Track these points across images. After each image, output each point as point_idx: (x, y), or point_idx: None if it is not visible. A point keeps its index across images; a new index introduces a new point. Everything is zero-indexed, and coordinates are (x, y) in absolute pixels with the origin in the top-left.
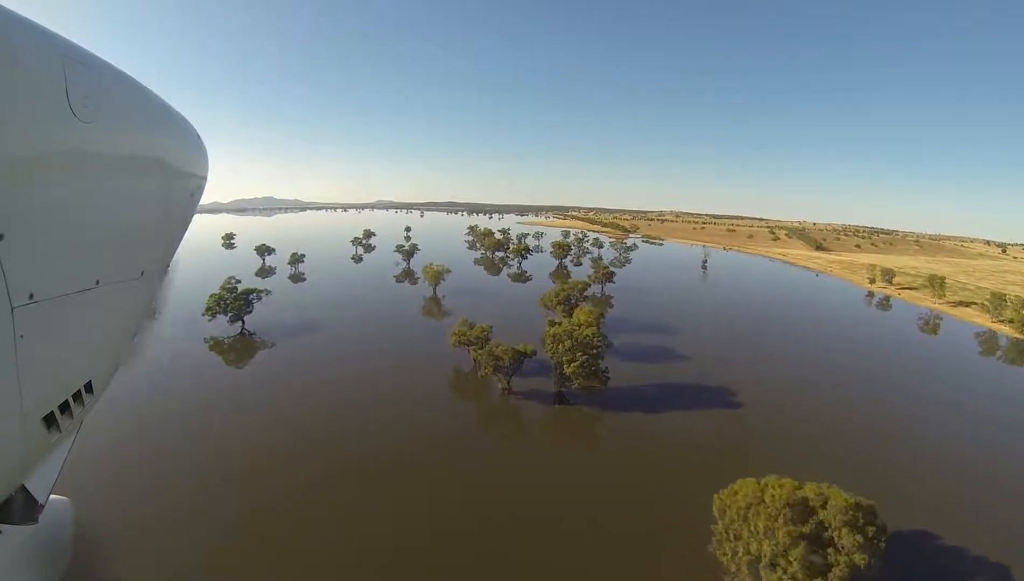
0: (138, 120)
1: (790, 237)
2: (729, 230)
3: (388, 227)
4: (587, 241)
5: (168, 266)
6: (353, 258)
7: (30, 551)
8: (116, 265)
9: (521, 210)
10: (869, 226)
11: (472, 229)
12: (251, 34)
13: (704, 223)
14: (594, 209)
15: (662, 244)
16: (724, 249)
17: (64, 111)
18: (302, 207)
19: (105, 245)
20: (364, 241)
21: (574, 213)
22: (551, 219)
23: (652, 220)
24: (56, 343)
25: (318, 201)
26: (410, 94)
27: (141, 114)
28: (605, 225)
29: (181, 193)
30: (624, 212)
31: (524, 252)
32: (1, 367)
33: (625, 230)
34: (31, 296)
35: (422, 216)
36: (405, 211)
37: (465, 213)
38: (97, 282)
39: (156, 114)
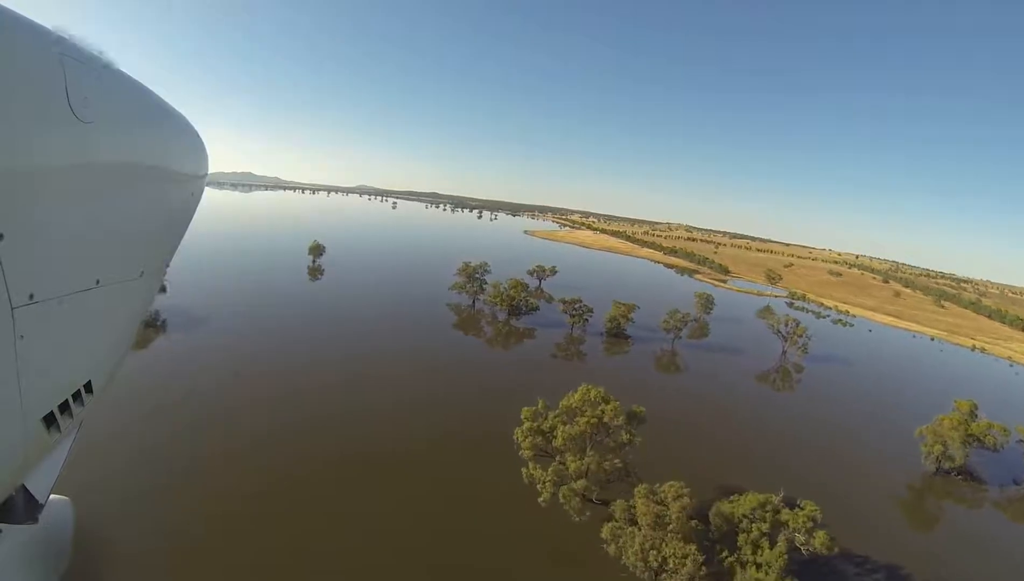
0: (138, 120)
1: (925, 291)
2: (833, 274)
3: (330, 228)
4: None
5: (167, 266)
6: None
7: (30, 551)
8: (116, 265)
9: (513, 209)
10: (915, 264)
11: (471, 276)
12: (239, 10)
13: (788, 255)
14: (591, 214)
15: (852, 324)
16: (975, 350)
17: (64, 112)
18: (280, 186)
19: (105, 245)
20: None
21: (575, 216)
22: (568, 230)
23: (692, 239)
24: (56, 343)
25: (298, 181)
26: (399, 81)
27: (141, 114)
28: (646, 243)
29: (181, 193)
30: (623, 220)
31: None
32: (1, 367)
33: (696, 261)
34: (31, 296)
35: (394, 207)
36: (380, 199)
37: (448, 207)
38: (97, 282)
39: (156, 114)
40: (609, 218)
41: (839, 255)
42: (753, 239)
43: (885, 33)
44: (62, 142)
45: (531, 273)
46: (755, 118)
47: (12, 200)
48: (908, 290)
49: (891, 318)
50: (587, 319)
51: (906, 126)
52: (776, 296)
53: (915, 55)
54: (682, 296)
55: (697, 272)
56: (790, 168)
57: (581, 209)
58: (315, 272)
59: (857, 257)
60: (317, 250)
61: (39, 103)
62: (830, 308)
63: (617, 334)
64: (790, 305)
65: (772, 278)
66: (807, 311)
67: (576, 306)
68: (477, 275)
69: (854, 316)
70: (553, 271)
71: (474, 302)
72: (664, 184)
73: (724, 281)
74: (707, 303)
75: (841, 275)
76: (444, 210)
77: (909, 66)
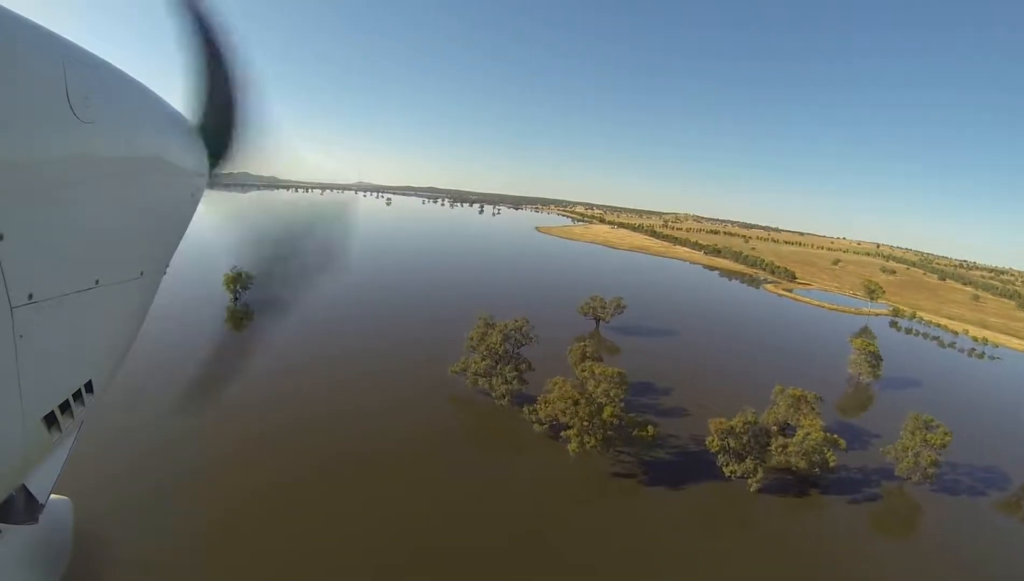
0: (138, 121)
1: None
2: (886, 271)
3: None
4: None
5: (167, 265)
6: None
7: (30, 551)
8: (116, 265)
9: (514, 202)
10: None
11: (496, 353)
12: (236, 8)
13: (817, 247)
14: (594, 205)
15: (996, 357)
16: None
17: (65, 112)
18: (277, 185)
19: (105, 245)
20: None
21: (578, 208)
22: (586, 226)
23: (715, 232)
24: (56, 343)
25: (295, 179)
26: (397, 77)
27: (141, 114)
28: (678, 240)
29: (181, 193)
30: (628, 211)
31: None
32: (1, 367)
33: (748, 263)
34: (31, 296)
35: (389, 204)
36: (376, 194)
37: (447, 201)
38: (97, 282)
39: (156, 114)
40: (613, 209)
41: (858, 245)
42: (764, 228)
43: (883, 28)
44: (62, 142)
45: (584, 312)
46: (756, 109)
47: (12, 200)
48: (971, 289)
49: (1018, 340)
50: (763, 462)
51: (906, 118)
52: (878, 314)
53: (915, 52)
54: (805, 335)
55: (764, 279)
56: (790, 156)
57: (583, 201)
58: (237, 319)
59: (878, 246)
60: (236, 283)
61: (40, 103)
62: (954, 332)
63: (810, 479)
64: (893, 325)
65: (872, 292)
66: (920, 334)
67: (744, 433)
68: (511, 345)
69: (991, 344)
70: (620, 307)
71: (509, 401)
72: (666, 174)
73: (790, 290)
74: (875, 362)
75: (895, 273)
76: (442, 205)
77: (908, 65)
